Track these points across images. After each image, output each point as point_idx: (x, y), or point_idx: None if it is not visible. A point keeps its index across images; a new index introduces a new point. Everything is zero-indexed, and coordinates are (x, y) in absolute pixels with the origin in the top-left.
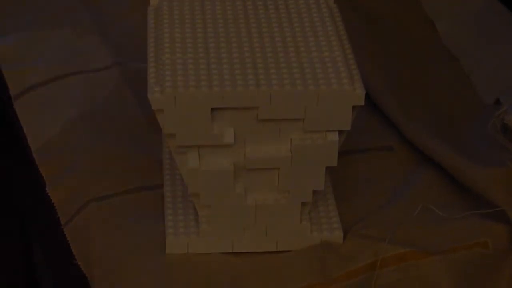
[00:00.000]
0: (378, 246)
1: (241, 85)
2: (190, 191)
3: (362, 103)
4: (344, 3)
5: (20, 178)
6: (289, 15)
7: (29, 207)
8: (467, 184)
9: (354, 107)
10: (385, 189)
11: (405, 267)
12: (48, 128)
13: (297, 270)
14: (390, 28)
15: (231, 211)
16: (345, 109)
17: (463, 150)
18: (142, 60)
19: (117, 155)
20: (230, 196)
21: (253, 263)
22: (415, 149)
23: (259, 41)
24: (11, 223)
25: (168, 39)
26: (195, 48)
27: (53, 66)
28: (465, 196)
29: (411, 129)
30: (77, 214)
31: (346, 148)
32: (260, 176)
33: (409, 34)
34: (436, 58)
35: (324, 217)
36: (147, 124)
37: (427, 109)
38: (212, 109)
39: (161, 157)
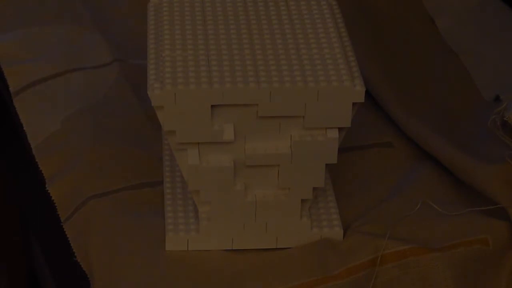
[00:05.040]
0: (378, 242)
1: (241, 82)
2: (190, 188)
3: (362, 100)
4: (344, 0)
5: (19, 174)
6: (289, 12)
7: (29, 204)
8: (467, 181)
9: (354, 104)
10: (385, 185)
11: (405, 264)
12: (48, 125)
13: (297, 267)
14: (390, 24)
15: (231, 207)
16: (345, 106)
17: (463, 146)
18: (142, 57)
19: (117, 151)
20: (230, 193)
21: (253, 260)
22: (415, 145)
23: (259, 38)
24: (10, 220)
25: (168, 36)
26: (195, 45)
27: (53, 63)
28: (465, 192)
29: (411, 125)
30: (77, 211)
31: (346, 144)
32: (260, 173)
33: (409, 30)
34: (436, 54)
35: (324, 213)
36: (147, 120)
37: (427, 105)
38: (212, 106)
39: (161, 154)
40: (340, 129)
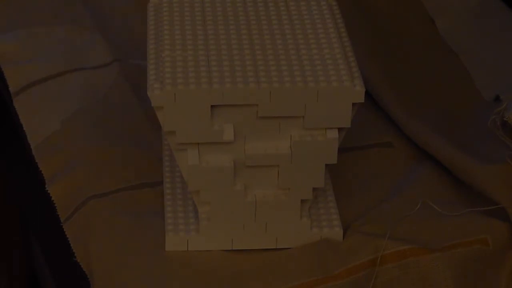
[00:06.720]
0: (378, 242)
1: (241, 82)
2: (190, 188)
3: (362, 100)
4: (344, 0)
5: (19, 174)
6: (288, 12)
7: (29, 204)
8: (467, 181)
9: (354, 104)
10: (385, 185)
11: (405, 264)
12: (48, 125)
13: (297, 267)
14: (390, 24)
15: (231, 208)
16: (345, 106)
17: (463, 146)
18: (142, 57)
19: (117, 152)
20: (230, 193)
21: (253, 260)
22: (415, 145)
23: (259, 38)
24: (10, 220)
25: (168, 36)
26: (195, 45)
27: (52, 63)
28: (465, 193)
29: (411, 125)
30: (77, 211)
31: (346, 144)
32: (260, 173)
33: (409, 30)
34: (436, 54)
35: (324, 214)
36: (147, 121)
37: (427, 105)
38: (212, 106)
39: (161, 154)
40: (340, 129)
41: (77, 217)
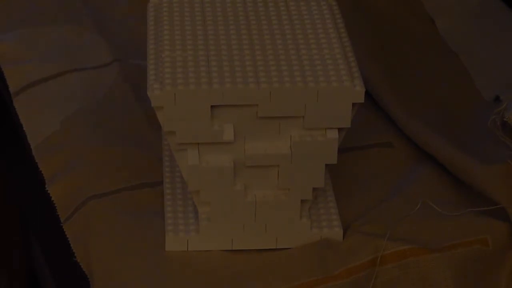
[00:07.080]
0: (378, 242)
1: (241, 82)
2: (190, 188)
3: (362, 100)
4: (343, 0)
5: (19, 175)
6: (288, 12)
7: (29, 204)
8: (467, 181)
9: (354, 104)
10: (385, 185)
11: (405, 264)
12: (48, 125)
13: (297, 267)
14: (390, 24)
15: (231, 208)
16: (345, 106)
17: (463, 147)
18: (142, 57)
19: (117, 152)
20: (230, 193)
21: (253, 260)
22: (415, 145)
23: (258, 38)
24: (10, 220)
25: (168, 36)
26: (195, 45)
27: (53, 63)
28: (465, 193)
29: (411, 125)
30: (77, 211)
31: (346, 144)
32: (260, 173)
33: (408, 30)
34: (436, 54)
35: (324, 214)
36: (147, 121)
37: (427, 105)
38: (212, 106)
39: (161, 154)
40: (340, 129)
41: (77, 217)
